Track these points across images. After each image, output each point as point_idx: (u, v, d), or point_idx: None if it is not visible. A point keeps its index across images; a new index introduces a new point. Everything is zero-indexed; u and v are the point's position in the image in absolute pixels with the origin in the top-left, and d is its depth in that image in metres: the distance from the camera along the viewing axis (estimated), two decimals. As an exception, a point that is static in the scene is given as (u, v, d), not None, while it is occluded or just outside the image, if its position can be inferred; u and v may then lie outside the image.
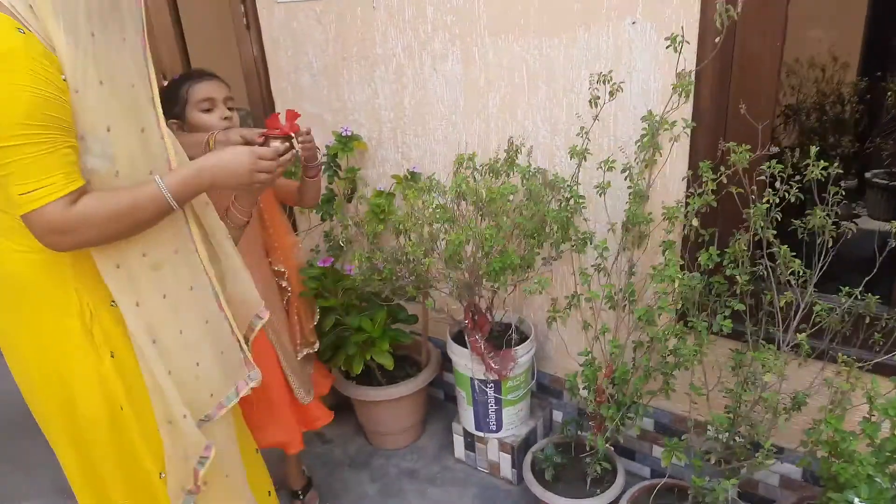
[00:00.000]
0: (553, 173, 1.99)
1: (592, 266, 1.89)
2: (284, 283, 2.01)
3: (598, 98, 1.71)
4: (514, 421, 2.20)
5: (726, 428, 1.70)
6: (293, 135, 1.59)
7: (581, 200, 1.81)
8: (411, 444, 2.48)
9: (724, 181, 1.60)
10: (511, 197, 1.76)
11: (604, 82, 1.67)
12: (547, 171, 2.03)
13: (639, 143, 1.76)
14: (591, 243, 1.87)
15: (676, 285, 1.54)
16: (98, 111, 1.12)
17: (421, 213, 1.69)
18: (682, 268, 1.74)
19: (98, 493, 1.41)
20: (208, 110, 1.74)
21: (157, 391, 1.31)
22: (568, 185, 1.83)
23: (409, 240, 1.73)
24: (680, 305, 1.66)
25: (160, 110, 1.29)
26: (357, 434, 2.54)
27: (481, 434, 2.22)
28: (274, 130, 1.59)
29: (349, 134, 2.38)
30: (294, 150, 1.59)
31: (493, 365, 1.98)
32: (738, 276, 1.63)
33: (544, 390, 2.38)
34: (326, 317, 2.08)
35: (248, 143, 1.60)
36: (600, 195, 1.78)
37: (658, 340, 1.69)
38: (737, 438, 1.71)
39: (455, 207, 1.78)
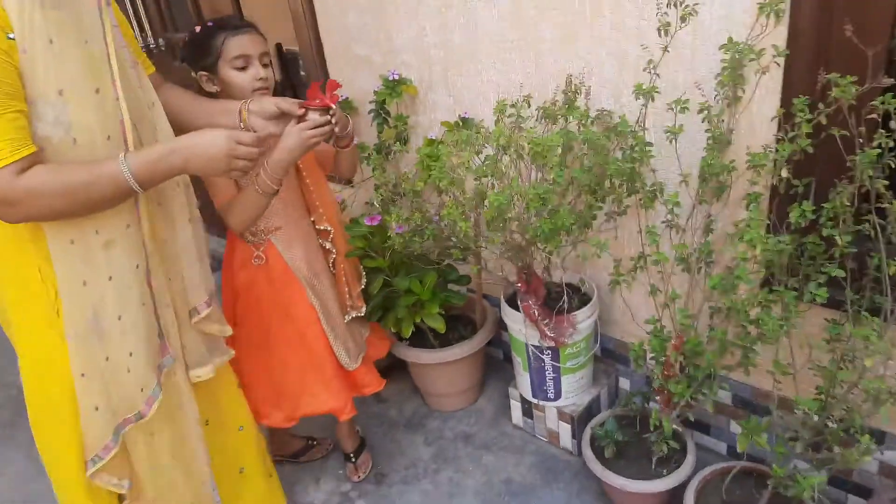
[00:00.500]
0: (620, 115, 1.73)
1: (662, 223, 1.65)
2: (328, 245, 1.90)
3: (669, 24, 1.44)
4: (575, 389, 2.03)
5: (816, 411, 1.46)
6: (332, 106, 1.53)
7: (648, 149, 1.56)
8: (468, 406, 2.37)
9: (824, 121, 1.31)
10: (560, 149, 1.53)
11: (674, 5, 1.39)
12: (613, 113, 1.78)
13: (719, 78, 1.48)
14: (660, 197, 1.63)
15: (758, 251, 1.29)
16: (49, 73, 1.01)
17: (459, 167, 1.50)
18: (768, 228, 1.48)
19: (61, 471, 1.36)
20: (243, 68, 1.63)
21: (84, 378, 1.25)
22: (632, 131, 1.57)
23: (449, 198, 1.55)
24: (764, 273, 1.41)
25: (116, 67, 1.16)
26: (414, 394, 2.45)
27: (538, 402, 2.07)
28: (314, 101, 1.53)
29: (396, 77, 2.19)
30: (333, 123, 1.53)
31: (548, 332, 1.80)
32: (837, 237, 1.35)
33: (610, 355, 2.18)
34: (374, 278, 1.95)
35: (283, 113, 1.53)
36: (671, 142, 1.52)
37: (737, 311, 1.45)
38: (829, 423, 1.47)
39: (500, 160, 1.57)
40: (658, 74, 1.52)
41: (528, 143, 1.47)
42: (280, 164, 1.53)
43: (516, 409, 2.20)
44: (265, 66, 1.66)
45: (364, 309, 1.98)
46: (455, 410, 2.35)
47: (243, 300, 1.85)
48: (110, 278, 1.24)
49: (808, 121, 1.32)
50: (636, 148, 1.56)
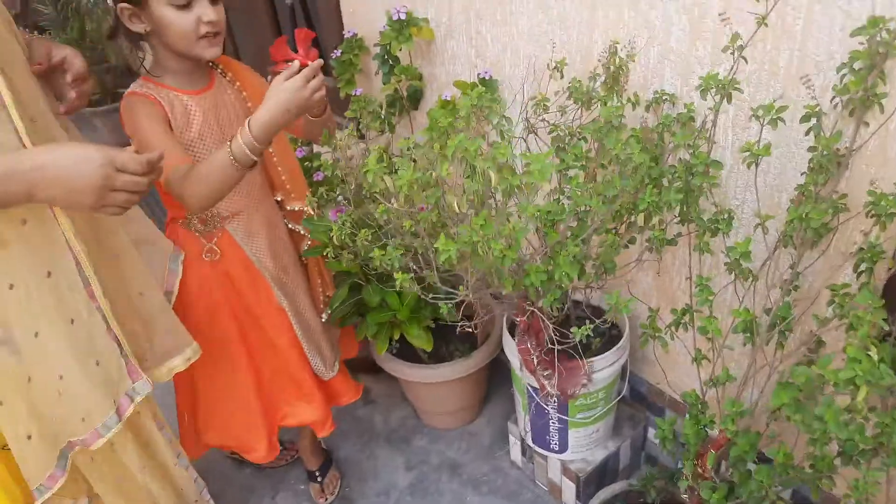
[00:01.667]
0: (686, 104, 1.21)
1: (724, 265, 1.15)
2: (300, 228, 1.51)
3: (771, -19, 0.89)
4: (586, 443, 1.60)
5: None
6: (310, 64, 1.14)
7: (713, 176, 1.04)
8: (463, 426, 1.98)
9: None
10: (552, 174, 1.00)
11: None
12: (677, 98, 1.25)
13: (844, 71, 0.93)
14: (722, 234, 1.12)
15: (860, 394, 0.78)
16: None
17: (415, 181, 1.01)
18: (887, 317, 0.97)
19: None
20: (185, 5, 1.17)
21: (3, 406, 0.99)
22: (692, 142, 1.06)
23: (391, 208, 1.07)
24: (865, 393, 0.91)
25: None
26: (405, 399, 2.09)
27: (540, 450, 1.66)
28: (285, 63, 1.15)
29: (402, 17, 1.70)
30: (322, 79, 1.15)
31: (549, 388, 1.36)
32: None
33: (640, 399, 1.72)
34: (340, 284, 1.54)
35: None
36: (749, 166, 1.00)
37: (814, 421, 0.96)
38: None
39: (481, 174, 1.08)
40: (744, 58, 0.99)
41: (521, 157, 0.96)
42: (271, 126, 1.12)
43: (515, 446, 1.80)
44: (215, 2, 1.21)
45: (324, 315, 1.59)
46: (448, 429, 1.98)
47: (193, 308, 1.44)
48: (11, 287, 0.96)
49: None
50: (695, 168, 1.04)
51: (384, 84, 1.86)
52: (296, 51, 1.16)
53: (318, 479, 1.83)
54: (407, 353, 1.81)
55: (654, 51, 1.27)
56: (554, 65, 1.33)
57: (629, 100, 1.25)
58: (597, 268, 1.15)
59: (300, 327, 1.52)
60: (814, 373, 0.81)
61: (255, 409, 1.55)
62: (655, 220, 1.07)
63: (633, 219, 1.12)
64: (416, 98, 1.92)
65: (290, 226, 1.54)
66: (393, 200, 0.99)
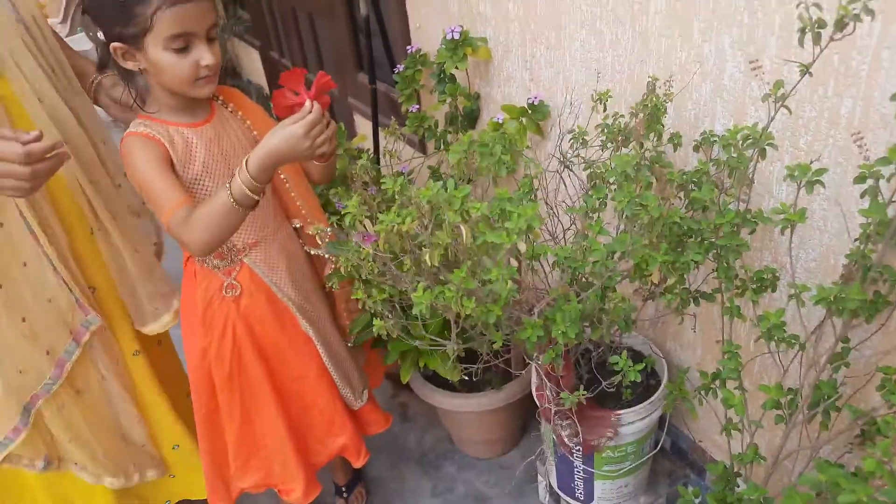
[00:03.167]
0: (737, 148, 1.10)
1: (764, 335, 1.03)
2: (322, 252, 1.48)
3: (818, 24, 0.78)
4: (614, 496, 1.50)
5: None
6: (311, 103, 1.08)
7: (741, 240, 0.93)
8: (497, 457, 1.92)
9: None
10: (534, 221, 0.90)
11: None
12: (729, 142, 1.13)
13: (906, 128, 0.80)
14: (748, 297, 1.00)
15: (864, 493, 0.67)
16: None
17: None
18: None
19: None
20: (181, 49, 1.11)
21: None
22: (723, 202, 0.95)
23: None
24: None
25: None
26: (441, 421, 2.05)
27: (566, 497, 1.58)
28: (288, 97, 1.11)
29: (457, 36, 1.65)
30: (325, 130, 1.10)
31: (566, 441, 1.28)
32: None
33: (680, 455, 1.60)
34: (363, 310, 1.51)
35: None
36: (782, 232, 0.88)
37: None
38: None
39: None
40: (787, 108, 0.87)
41: (488, 211, 0.87)
42: (268, 167, 1.08)
43: (542, 487, 1.71)
44: (211, 41, 1.14)
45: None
46: (480, 458, 1.92)
47: (217, 350, 1.38)
48: None
49: None
50: (725, 227, 0.93)
51: (438, 102, 1.82)
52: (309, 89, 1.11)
53: (345, 495, 1.82)
54: (443, 377, 1.77)
55: (706, 87, 1.16)
56: (597, 96, 1.25)
57: (670, 140, 1.15)
58: (609, 325, 1.06)
59: (328, 355, 1.47)
60: (821, 481, 0.70)
61: (289, 448, 1.49)
62: (673, 280, 0.97)
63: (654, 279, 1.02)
64: (472, 117, 1.88)
65: (311, 252, 1.47)
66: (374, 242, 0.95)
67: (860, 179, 0.87)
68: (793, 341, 1.01)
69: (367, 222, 0.96)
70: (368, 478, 1.92)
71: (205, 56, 1.13)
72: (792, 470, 1.20)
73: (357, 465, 1.60)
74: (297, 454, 1.50)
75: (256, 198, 1.11)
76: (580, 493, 1.52)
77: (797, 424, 1.02)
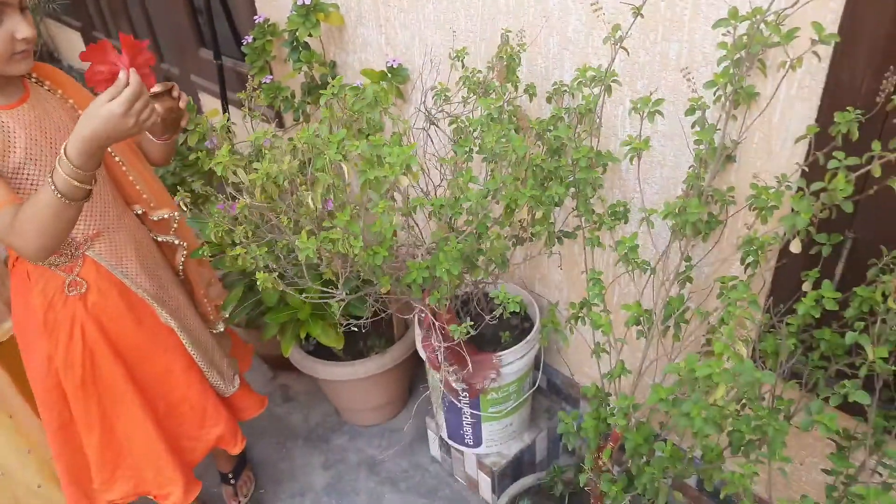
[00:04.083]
0: (585, 96, 1.19)
1: (622, 258, 1.14)
2: (173, 239, 1.39)
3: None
4: (500, 437, 1.59)
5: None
6: (128, 71, 0.95)
7: (595, 171, 1.02)
8: (385, 422, 1.95)
9: (882, 152, 0.78)
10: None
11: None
12: (575, 89, 1.23)
13: (725, 63, 0.92)
14: (606, 227, 1.11)
15: (717, 366, 0.77)
16: None
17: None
18: (771, 307, 0.98)
19: None
20: None
21: None
22: (574, 136, 1.04)
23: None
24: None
25: None
26: (327, 397, 2.04)
27: (456, 445, 1.65)
28: (99, 69, 0.97)
29: (308, 1, 1.63)
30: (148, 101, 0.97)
31: (454, 385, 1.34)
32: (868, 348, 0.84)
33: (556, 391, 1.72)
34: (232, 286, 1.47)
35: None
36: (631, 160, 0.98)
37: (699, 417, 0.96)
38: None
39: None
40: (625, 49, 0.97)
41: (384, 149, 0.89)
42: (92, 151, 0.96)
43: (434, 441, 1.78)
44: (23, 11, 1.04)
45: (221, 325, 1.51)
46: (369, 426, 1.95)
47: (64, 356, 1.26)
48: None
49: (849, 167, 0.78)
50: (581, 161, 1.02)
51: (294, 71, 1.79)
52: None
53: (232, 482, 1.77)
54: (325, 349, 1.77)
55: (554, 41, 1.25)
56: (454, 54, 1.30)
57: (526, 90, 1.23)
58: (487, 264, 1.12)
59: (192, 345, 1.40)
60: (682, 369, 0.80)
61: (161, 450, 1.40)
62: (540, 214, 1.05)
63: (524, 214, 1.09)
64: (318, 87, 1.86)
65: (159, 238, 1.38)
66: (247, 196, 0.93)
67: (690, 111, 0.99)
68: (645, 266, 1.13)
69: (240, 172, 0.93)
70: (255, 461, 1.87)
71: (20, 28, 1.03)
72: (653, 382, 1.34)
73: (234, 452, 1.55)
74: (170, 455, 1.42)
75: (87, 187, 1.00)
76: (469, 439, 1.59)
77: (654, 338, 1.15)
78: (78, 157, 0.96)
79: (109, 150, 1.23)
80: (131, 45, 0.97)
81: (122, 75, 0.95)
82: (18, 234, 1.01)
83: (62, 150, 0.97)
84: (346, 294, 1.05)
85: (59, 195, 0.98)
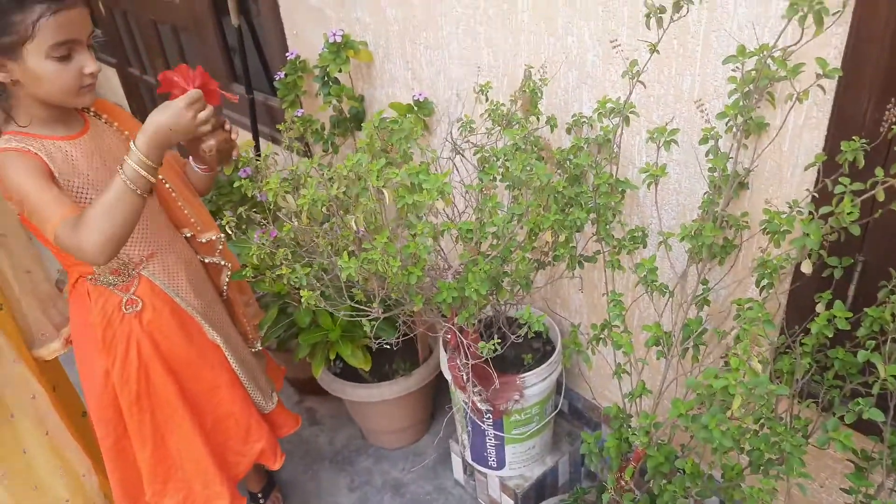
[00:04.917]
0: (604, 127, 1.24)
1: (639, 280, 1.19)
2: (216, 259, 1.47)
3: (659, 10, 0.94)
4: (523, 459, 1.62)
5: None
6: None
7: (616, 196, 1.08)
8: (409, 445, 1.99)
9: (885, 178, 0.82)
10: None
11: (669, -18, 0.89)
12: (594, 120, 1.29)
13: (735, 96, 0.98)
14: (625, 251, 1.16)
15: (742, 377, 0.81)
16: None
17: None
18: (782, 329, 1.01)
19: None
20: (64, 57, 1.08)
21: None
22: (594, 163, 1.09)
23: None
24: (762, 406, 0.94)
25: None
26: (352, 419, 2.09)
27: (479, 468, 1.68)
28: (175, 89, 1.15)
29: (338, 39, 1.72)
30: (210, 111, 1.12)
31: (479, 406, 1.38)
32: (879, 366, 0.88)
33: (577, 415, 1.75)
34: (268, 307, 1.54)
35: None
36: (648, 186, 1.04)
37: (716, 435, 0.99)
38: None
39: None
40: (642, 83, 1.03)
41: (418, 176, 0.96)
42: (157, 142, 1.07)
43: (457, 464, 1.81)
44: (90, 48, 1.13)
45: (259, 344, 1.57)
46: (393, 448, 1.98)
47: (120, 372, 1.32)
48: None
49: (855, 192, 0.82)
50: (601, 186, 1.07)
51: (324, 104, 1.88)
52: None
53: (261, 501, 1.81)
54: (351, 372, 1.82)
55: (573, 75, 1.32)
56: (479, 88, 1.37)
57: (548, 122, 1.29)
58: (512, 285, 1.17)
59: (237, 361, 1.47)
60: (701, 383, 0.84)
61: (210, 464, 1.45)
62: (563, 237, 1.11)
63: (548, 238, 1.15)
64: (359, 119, 1.94)
65: (206, 260, 1.47)
66: (294, 219, 1.00)
67: (704, 140, 1.04)
68: (664, 289, 1.17)
69: (289, 197, 1.00)
70: (283, 481, 1.91)
71: (88, 63, 1.12)
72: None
73: (275, 467, 1.60)
74: (218, 469, 1.47)
75: (152, 179, 1.09)
76: (493, 461, 1.62)
77: (673, 358, 1.19)
78: (145, 145, 1.07)
79: (161, 178, 1.32)
80: (201, 74, 1.16)
81: (190, 93, 1.11)
82: (84, 230, 1.06)
83: (131, 143, 1.08)
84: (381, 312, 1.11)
85: (128, 182, 1.06)
